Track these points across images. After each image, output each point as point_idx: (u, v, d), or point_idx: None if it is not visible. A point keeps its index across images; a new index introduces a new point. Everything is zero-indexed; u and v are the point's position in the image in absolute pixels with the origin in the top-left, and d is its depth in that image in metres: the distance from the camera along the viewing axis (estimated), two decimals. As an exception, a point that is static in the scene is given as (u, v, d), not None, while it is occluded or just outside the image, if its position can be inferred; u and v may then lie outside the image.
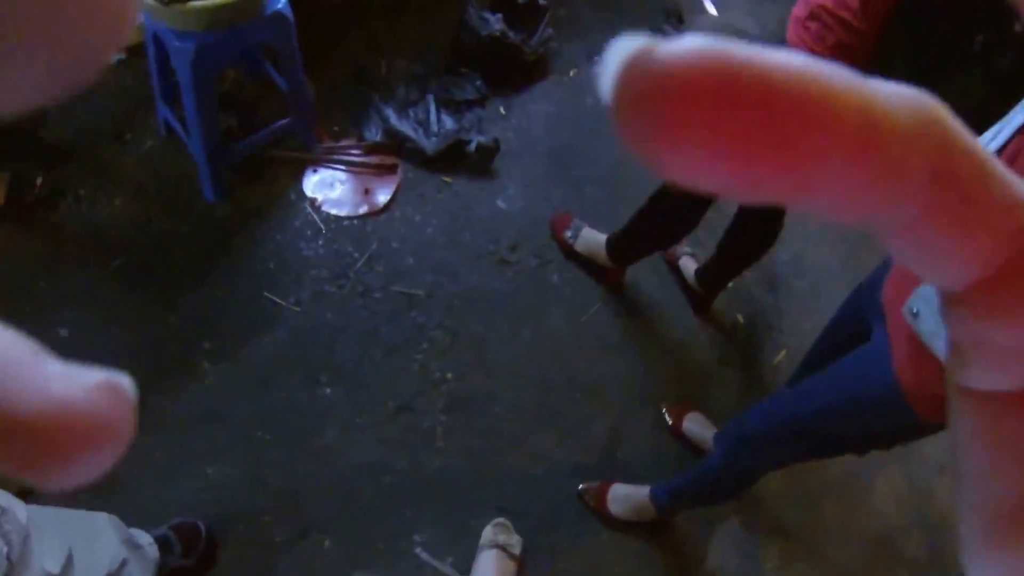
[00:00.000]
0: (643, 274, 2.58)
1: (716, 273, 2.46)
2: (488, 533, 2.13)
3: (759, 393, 2.47)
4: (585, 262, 2.50)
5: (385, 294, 2.37)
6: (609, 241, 2.40)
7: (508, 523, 2.14)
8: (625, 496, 2.20)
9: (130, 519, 1.83)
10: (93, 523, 1.71)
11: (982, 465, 0.19)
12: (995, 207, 0.16)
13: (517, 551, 2.12)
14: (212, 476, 2.15)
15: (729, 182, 0.15)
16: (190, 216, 2.42)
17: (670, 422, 2.34)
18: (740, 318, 2.62)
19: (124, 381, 0.16)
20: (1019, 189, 0.17)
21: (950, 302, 0.18)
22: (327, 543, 2.13)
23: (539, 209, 2.59)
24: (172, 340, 2.26)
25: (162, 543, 1.95)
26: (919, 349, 1.39)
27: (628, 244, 2.36)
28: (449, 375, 2.31)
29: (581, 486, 2.25)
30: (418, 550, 2.14)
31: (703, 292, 2.52)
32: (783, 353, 2.55)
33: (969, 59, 1.41)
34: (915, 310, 1.40)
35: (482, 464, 2.24)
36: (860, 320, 1.74)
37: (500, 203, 2.56)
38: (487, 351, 2.35)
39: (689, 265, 2.56)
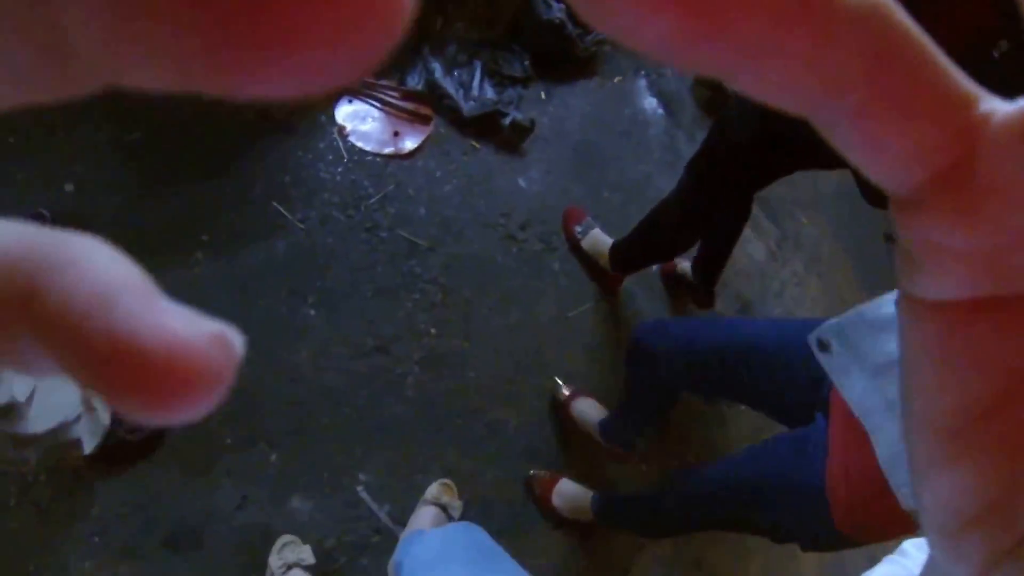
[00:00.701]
0: (640, 289, 2.63)
1: (706, 259, 2.49)
2: (433, 490, 2.14)
3: (717, 428, 2.53)
4: (587, 261, 2.55)
5: (390, 235, 2.39)
6: (613, 247, 2.45)
7: (454, 486, 2.17)
8: (572, 494, 2.23)
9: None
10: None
11: (931, 379, 0.19)
12: (942, 97, 0.16)
13: (456, 515, 2.14)
14: (176, 365, 2.15)
15: (663, 36, 0.14)
16: (219, 110, 2.41)
17: (562, 398, 2.36)
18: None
19: (237, 338, 0.16)
20: (966, 83, 0.17)
21: (899, 205, 0.18)
22: (273, 457, 2.14)
23: (556, 198, 2.64)
24: (172, 222, 2.26)
25: (115, 412, 1.94)
26: (856, 463, 1.37)
27: (630, 252, 2.41)
28: (433, 330, 2.34)
29: (532, 472, 2.29)
30: (360, 489, 2.17)
31: (702, 283, 2.55)
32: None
33: (988, 66, 1.34)
34: (824, 339, 1.34)
35: (442, 423, 2.27)
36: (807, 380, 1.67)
37: (521, 181, 2.59)
38: (473, 317, 2.39)
39: (685, 264, 2.63)
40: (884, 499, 1.29)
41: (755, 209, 2.99)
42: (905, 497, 1.26)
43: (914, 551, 1.65)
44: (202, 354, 0.14)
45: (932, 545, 0.22)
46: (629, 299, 2.61)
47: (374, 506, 2.16)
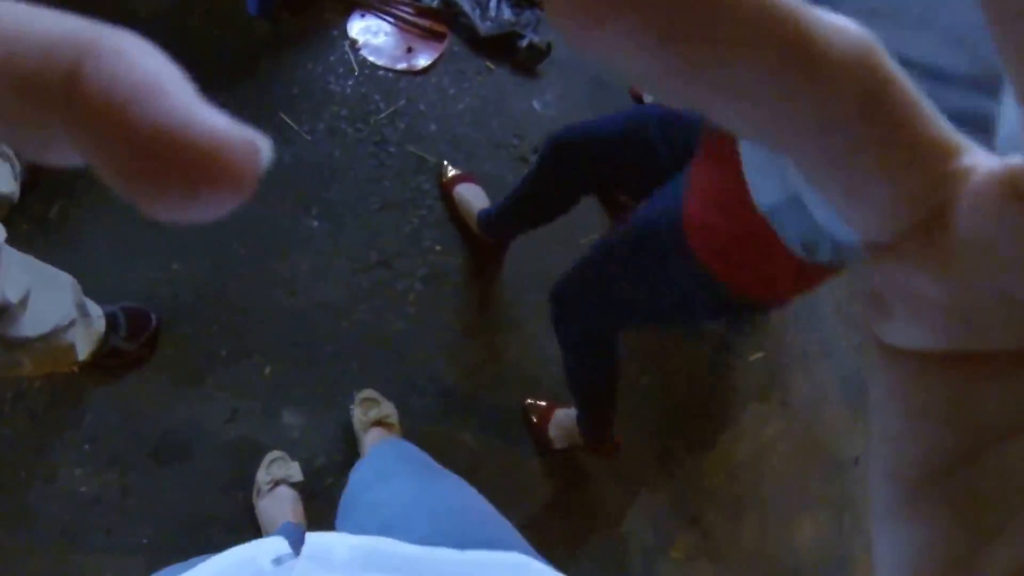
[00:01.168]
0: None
1: None
2: (358, 414, 2.05)
3: (724, 379, 2.45)
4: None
5: (399, 151, 2.32)
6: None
7: (375, 394, 2.08)
8: (568, 422, 2.15)
9: (83, 287, 1.78)
10: (55, 277, 1.68)
11: (897, 428, 0.19)
12: (926, 146, 0.16)
13: (395, 420, 2.06)
14: (176, 271, 2.10)
15: (646, 69, 0.14)
16: (229, 25, 2.35)
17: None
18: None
19: (265, 143, 0.15)
20: (951, 134, 0.16)
21: (875, 252, 0.18)
22: (267, 370, 2.09)
23: (570, 121, 2.53)
24: (176, 131, 2.19)
25: (110, 320, 1.90)
26: (715, 183, 1.25)
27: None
28: (438, 247, 2.26)
29: (529, 400, 2.21)
30: (352, 406, 2.10)
31: None
32: (760, 355, 2.53)
33: None
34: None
35: (441, 342, 2.21)
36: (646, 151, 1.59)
37: (535, 104, 2.51)
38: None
39: None
40: (745, 219, 1.16)
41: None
42: (779, 227, 1.13)
43: None
44: (241, 150, 0.14)
45: None
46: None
47: (367, 425, 2.09)
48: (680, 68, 0.14)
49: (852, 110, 0.15)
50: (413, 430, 2.11)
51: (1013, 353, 0.17)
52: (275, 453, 2.02)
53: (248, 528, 1.98)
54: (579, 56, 0.15)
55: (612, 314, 1.71)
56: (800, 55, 0.14)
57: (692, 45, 0.14)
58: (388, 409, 2.05)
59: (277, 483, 1.96)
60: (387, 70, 2.39)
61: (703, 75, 0.14)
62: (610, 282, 1.60)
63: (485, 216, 2.16)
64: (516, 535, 0.95)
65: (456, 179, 2.28)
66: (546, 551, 1.80)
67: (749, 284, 1.31)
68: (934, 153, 0.16)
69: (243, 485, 2.01)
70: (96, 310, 1.85)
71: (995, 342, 0.17)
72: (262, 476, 1.98)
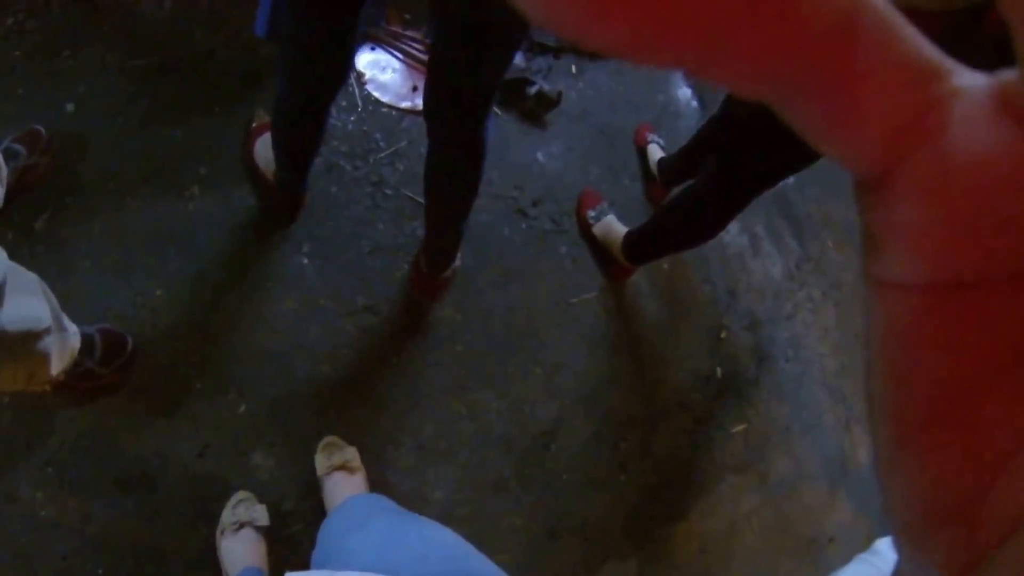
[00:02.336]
0: (648, 284, 2.52)
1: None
2: (321, 460, 2.01)
3: (703, 449, 2.43)
4: (597, 247, 2.42)
5: (396, 193, 2.28)
6: (628, 236, 2.33)
7: (337, 439, 2.05)
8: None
9: (62, 304, 1.73)
10: (32, 281, 1.62)
11: (900, 365, 0.18)
12: (912, 70, 0.16)
13: (356, 464, 2.02)
14: (158, 297, 2.05)
15: (617, 40, 0.14)
16: (233, 43, 2.31)
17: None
18: (719, 371, 2.57)
19: None
20: (938, 56, 0.16)
21: (863, 187, 0.17)
22: (242, 408, 2.05)
23: (573, 177, 2.51)
24: (171, 152, 2.15)
25: (86, 341, 1.84)
26: None
27: (644, 242, 2.29)
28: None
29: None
30: (316, 453, 2.06)
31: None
32: (743, 427, 2.50)
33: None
34: None
35: (421, 396, 2.17)
36: None
37: (539, 155, 2.47)
38: (470, 289, 2.27)
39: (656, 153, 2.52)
40: None
41: (780, 224, 2.90)
42: None
43: (886, 550, 1.53)
44: None
45: (898, 548, 0.21)
46: (635, 294, 2.50)
47: (340, 473, 2.06)
48: (652, 21, 0.14)
49: (833, 31, 0.15)
50: (385, 481, 2.08)
51: (1011, 276, 0.17)
52: (242, 494, 1.97)
53: (208, 566, 1.94)
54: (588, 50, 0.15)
55: None
56: None
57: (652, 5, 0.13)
58: (351, 454, 2.01)
59: (242, 525, 1.91)
60: (391, 108, 2.35)
61: (685, 25, 0.14)
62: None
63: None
64: (500, 572, 0.96)
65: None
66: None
67: None
68: (921, 75, 0.16)
69: (207, 522, 1.96)
70: (72, 326, 1.79)
71: (997, 268, 0.17)
72: (227, 516, 1.93)
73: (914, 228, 0.17)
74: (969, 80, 0.16)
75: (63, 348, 1.74)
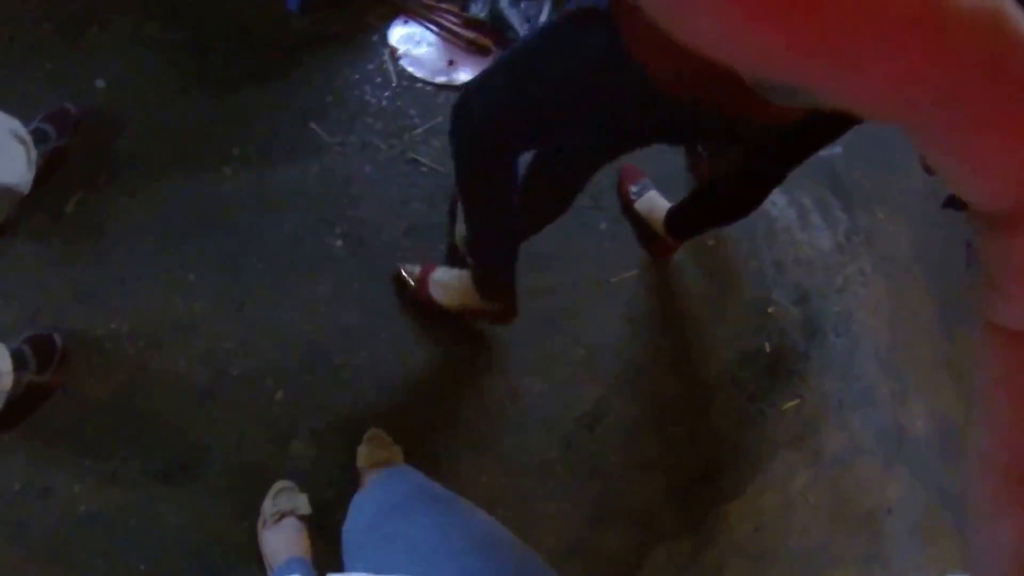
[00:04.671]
0: (691, 262, 2.44)
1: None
2: (364, 452, 1.94)
3: (755, 427, 2.35)
4: (639, 223, 2.34)
5: (432, 172, 2.22)
6: (670, 211, 2.25)
7: (383, 433, 1.97)
8: (450, 278, 2.02)
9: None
10: None
11: (1006, 414, 0.18)
12: None
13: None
14: (191, 282, 2.02)
15: (764, 47, 0.14)
16: (267, 18, 2.25)
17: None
18: (767, 347, 2.49)
19: None
20: None
21: (990, 222, 0.17)
22: (279, 395, 2.01)
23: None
24: (203, 132, 2.11)
25: (17, 357, 1.79)
26: None
27: (687, 218, 2.21)
28: (465, 278, 2.16)
29: (400, 266, 2.09)
30: (360, 445, 2.02)
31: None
32: (795, 403, 2.42)
33: None
34: None
35: (461, 380, 2.11)
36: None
37: (579, 131, 2.40)
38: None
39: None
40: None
41: (827, 196, 2.81)
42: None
43: None
44: None
45: None
46: (678, 271, 2.42)
47: (375, 465, 2.01)
48: (792, 42, 0.13)
49: (979, 72, 0.14)
50: (424, 466, 2.03)
51: None
52: (282, 483, 1.93)
53: (253, 558, 1.91)
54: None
55: (517, 104, 1.45)
56: (929, 20, 0.14)
57: (805, 16, 0.13)
58: (396, 453, 1.96)
59: (284, 515, 1.87)
60: (426, 83, 2.28)
61: (817, 48, 0.14)
62: (521, 66, 1.40)
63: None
64: (539, 561, 0.96)
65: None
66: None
67: (680, 81, 1.15)
68: None
69: (249, 512, 1.93)
70: (3, 362, 1.74)
71: None
72: (268, 506, 1.89)
73: None
74: None
75: None
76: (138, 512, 1.89)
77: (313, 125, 2.17)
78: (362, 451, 1.95)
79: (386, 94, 2.25)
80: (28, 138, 1.84)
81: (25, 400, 1.83)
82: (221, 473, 1.94)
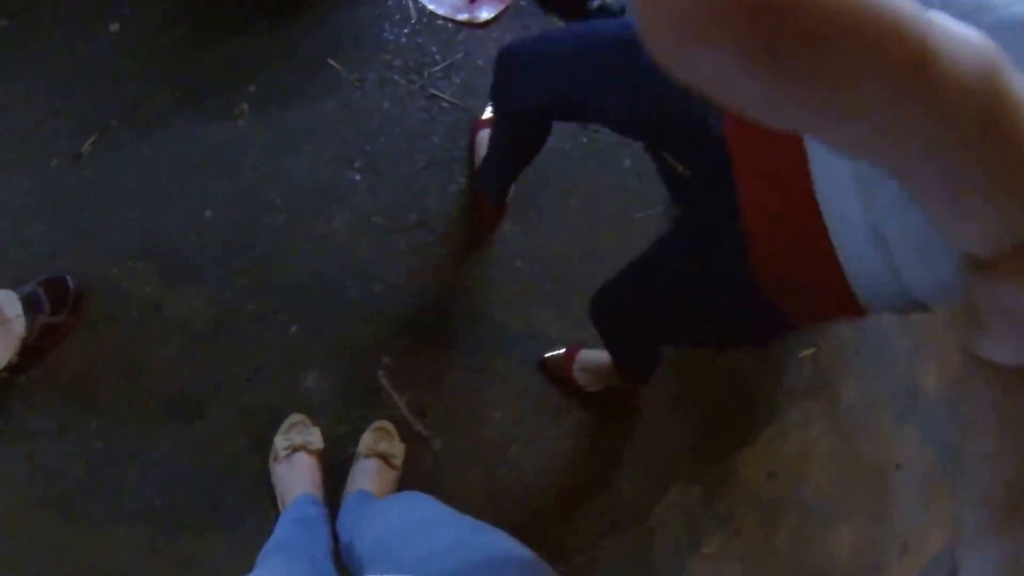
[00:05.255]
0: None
1: None
2: (368, 439, 1.94)
3: (771, 374, 2.33)
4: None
5: (452, 107, 2.18)
6: None
7: (392, 428, 1.97)
8: (595, 361, 2.04)
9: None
10: None
11: (990, 446, 0.18)
12: None
13: (399, 463, 1.94)
14: (207, 219, 2.00)
15: (746, 92, 0.14)
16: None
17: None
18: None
19: None
20: None
21: (976, 265, 0.17)
22: (293, 329, 1.99)
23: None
24: (220, 70, 2.08)
25: (31, 300, 1.79)
26: (777, 191, 0.99)
27: None
28: (483, 212, 2.14)
29: (546, 355, 2.10)
30: (381, 373, 2.01)
31: None
32: (811, 351, 2.39)
33: None
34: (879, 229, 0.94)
35: (478, 315, 2.09)
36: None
37: (602, 68, 2.37)
38: (529, 204, 2.17)
39: None
40: (814, 243, 0.97)
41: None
42: (849, 259, 0.95)
43: None
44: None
45: None
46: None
47: (394, 394, 2.01)
48: (785, 93, 0.14)
49: (974, 131, 0.15)
50: (442, 403, 2.02)
51: None
52: (295, 417, 1.92)
53: (263, 495, 1.91)
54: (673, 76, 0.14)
55: (654, 330, 1.61)
56: (922, 77, 0.14)
57: (800, 68, 0.13)
58: (398, 449, 1.94)
59: (296, 449, 1.86)
60: (447, 20, 2.25)
61: (811, 99, 0.14)
62: (655, 302, 1.47)
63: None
64: None
65: (484, 123, 2.12)
66: (572, 537, 1.72)
67: (788, 297, 1.15)
68: None
69: (260, 447, 1.92)
70: (13, 308, 1.75)
71: None
72: (280, 441, 1.88)
73: (1016, 315, 0.17)
74: None
75: (8, 339, 1.73)
76: (152, 448, 1.89)
77: (331, 61, 2.14)
78: (365, 437, 1.94)
79: (405, 31, 2.22)
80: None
81: (40, 341, 1.83)
82: (231, 409, 1.94)
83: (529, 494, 2.05)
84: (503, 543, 0.97)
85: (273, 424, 1.92)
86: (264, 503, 1.90)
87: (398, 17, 2.22)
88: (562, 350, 2.08)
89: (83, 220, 1.93)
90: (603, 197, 2.17)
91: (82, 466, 1.85)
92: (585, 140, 2.26)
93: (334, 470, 1.94)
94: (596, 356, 2.04)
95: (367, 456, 1.91)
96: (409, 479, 1.95)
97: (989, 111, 0.15)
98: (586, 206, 2.12)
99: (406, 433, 1.98)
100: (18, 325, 1.75)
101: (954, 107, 0.14)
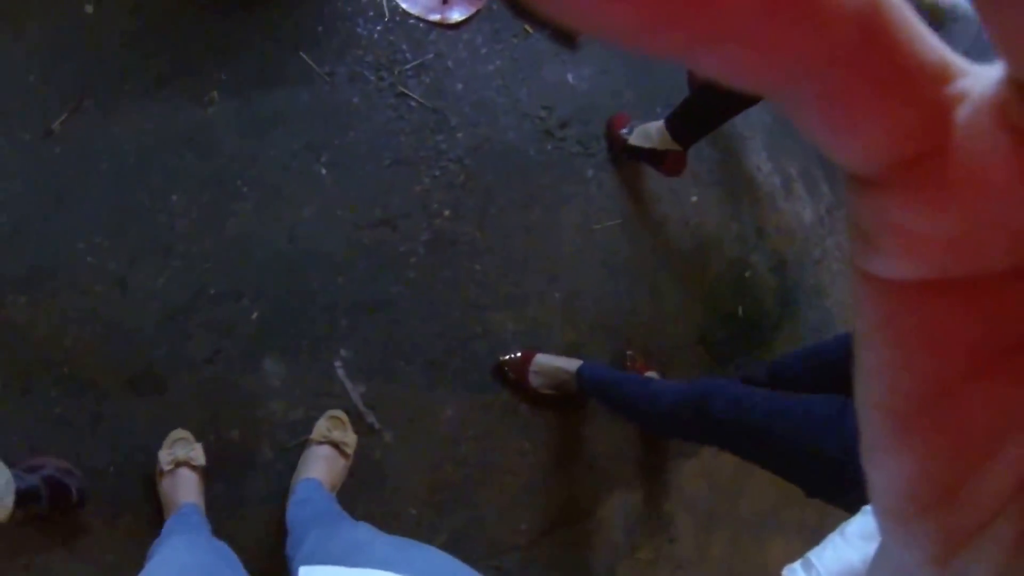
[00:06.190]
0: (673, 221, 2.46)
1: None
2: (322, 426, 1.99)
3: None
4: (641, 155, 2.30)
5: (420, 106, 2.22)
6: (669, 119, 2.21)
7: (345, 418, 2.02)
8: (550, 367, 2.11)
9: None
10: None
11: (885, 359, 0.18)
12: (926, 76, 0.15)
13: (350, 451, 1.99)
14: (174, 203, 2.01)
15: (616, 16, 0.13)
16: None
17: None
18: (740, 311, 2.52)
19: None
20: (946, 57, 0.16)
21: (859, 183, 0.17)
22: (254, 315, 2.02)
23: (604, 100, 2.43)
24: (191, 56, 2.10)
25: (28, 494, 1.71)
26: None
27: (687, 120, 2.18)
28: (446, 212, 2.18)
29: (502, 357, 2.16)
30: (337, 364, 2.05)
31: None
32: (761, 368, 2.45)
33: None
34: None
35: (435, 313, 2.13)
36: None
37: (570, 76, 2.40)
38: (491, 207, 2.22)
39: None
40: None
41: (814, 168, 2.83)
42: None
43: None
44: None
45: (883, 530, 0.21)
46: (660, 224, 2.44)
47: (348, 384, 2.05)
48: (657, 14, 0.13)
49: (852, 33, 0.14)
50: (394, 397, 2.06)
51: (1000, 273, 0.17)
52: (179, 432, 1.95)
53: (216, 474, 1.94)
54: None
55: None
56: None
57: None
58: (351, 439, 2.00)
59: (179, 464, 1.89)
60: (419, 19, 2.28)
61: (682, 19, 0.13)
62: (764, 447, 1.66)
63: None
64: None
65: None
66: (512, 534, 1.75)
67: None
68: (930, 81, 0.15)
69: (215, 424, 1.96)
70: (2, 475, 1.63)
71: (985, 266, 0.17)
72: (164, 456, 1.91)
73: (908, 233, 0.16)
74: (974, 83, 0.16)
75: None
76: (110, 418, 1.92)
77: (303, 54, 2.16)
78: (320, 425, 2.00)
79: (378, 28, 2.24)
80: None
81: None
82: (190, 386, 1.96)
83: (473, 491, 2.10)
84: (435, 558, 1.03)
85: (231, 403, 1.97)
86: (217, 480, 1.93)
87: (372, 13, 2.25)
88: (518, 353, 2.12)
89: (51, 196, 1.94)
90: (564, 205, 2.22)
91: (41, 430, 1.88)
92: (550, 147, 2.31)
93: (287, 453, 1.98)
94: (551, 362, 2.09)
95: (319, 443, 1.96)
96: (357, 469, 1.99)
97: (867, 15, 0.14)
98: (547, 212, 2.17)
99: (358, 424, 2.02)
100: (7, 500, 1.63)
101: (830, 11, 0.14)
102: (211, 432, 1.96)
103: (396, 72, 2.22)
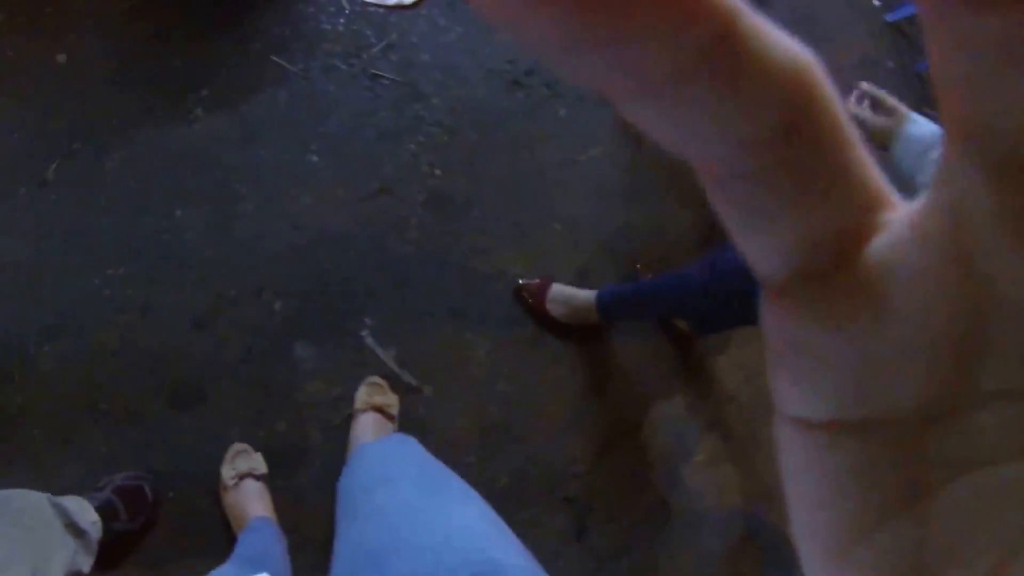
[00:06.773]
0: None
1: None
2: (362, 394, 2.04)
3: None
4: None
5: (393, 83, 2.33)
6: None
7: (383, 382, 2.07)
8: (568, 296, 2.17)
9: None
10: (39, 516, 1.51)
11: (809, 495, 0.18)
12: (847, 185, 0.15)
13: (395, 412, 2.04)
14: (179, 218, 2.11)
15: (544, 34, 0.12)
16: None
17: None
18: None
19: None
20: (876, 179, 0.15)
21: (771, 293, 0.16)
22: (277, 305, 2.10)
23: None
24: (171, 80, 2.22)
25: (106, 510, 1.75)
26: None
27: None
28: (437, 171, 2.28)
29: (520, 281, 2.23)
30: (365, 333, 2.12)
31: None
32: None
33: None
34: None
35: (445, 264, 2.21)
36: None
37: (527, 28, 2.50)
38: (478, 159, 2.32)
39: None
40: None
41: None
42: None
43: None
44: None
45: None
46: (636, 146, 2.50)
47: (379, 350, 2.11)
48: (582, 43, 0.12)
49: (777, 125, 0.13)
50: (427, 351, 2.13)
51: (907, 418, 0.16)
52: (238, 446, 1.97)
53: (271, 462, 1.97)
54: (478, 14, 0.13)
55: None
56: (729, 53, 0.12)
57: (601, 17, 0.12)
58: (392, 399, 2.05)
59: (242, 477, 1.91)
60: (377, 5, 2.40)
61: (607, 56, 0.12)
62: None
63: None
64: (517, 547, 0.94)
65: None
66: (569, 462, 1.80)
67: None
68: (853, 195, 0.15)
69: (262, 421, 2.01)
70: (87, 516, 1.66)
71: (895, 404, 0.16)
72: (226, 471, 1.92)
73: (810, 354, 0.16)
74: (899, 214, 0.15)
75: (88, 552, 1.61)
76: (157, 442, 1.95)
77: (275, 58, 2.28)
78: (360, 393, 2.04)
79: (341, 20, 2.37)
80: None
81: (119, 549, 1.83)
82: (230, 389, 2.02)
83: (520, 427, 2.15)
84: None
85: (271, 397, 2.02)
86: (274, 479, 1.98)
87: (332, 9, 2.37)
88: (536, 280, 2.21)
89: (57, 241, 2.03)
90: (546, 145, 2.31)
91: (94, 473, 1.89)
92: (521, 96, 2.41)
93: (335, 431, 2.03)
94: (568, 292, 2.16)
95: (363, 411, 2.00)
96: (404, 429, 2.05)
97: (796, 107, 0.14)
98: (531, 154, 2.25)
99: (396, 385, 2.09)
100: (95, 530, 1.66)
101: (758, 93, 0.13)
102: (259, 429, 2.01)
103: (365, 57, 2.34)
